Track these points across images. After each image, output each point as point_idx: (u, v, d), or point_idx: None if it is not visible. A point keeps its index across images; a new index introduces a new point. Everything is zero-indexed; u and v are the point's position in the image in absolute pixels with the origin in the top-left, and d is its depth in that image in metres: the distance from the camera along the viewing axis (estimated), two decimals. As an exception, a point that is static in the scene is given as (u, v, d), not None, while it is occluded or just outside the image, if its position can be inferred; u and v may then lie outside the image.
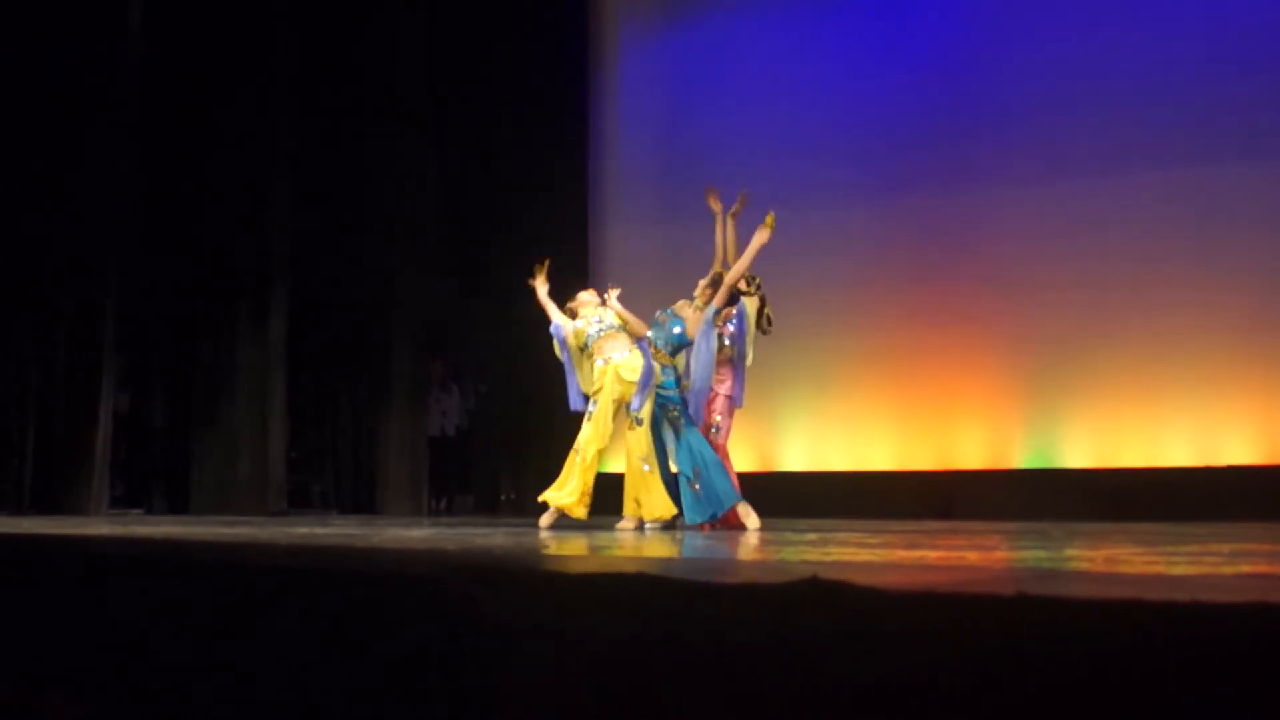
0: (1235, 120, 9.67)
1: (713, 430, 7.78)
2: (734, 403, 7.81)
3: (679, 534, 7.05)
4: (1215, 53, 9.80)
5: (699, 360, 7.54)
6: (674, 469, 7.58)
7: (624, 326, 7.61)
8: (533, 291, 8.03)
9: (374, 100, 12.37)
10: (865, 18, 11.48)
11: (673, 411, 7.59)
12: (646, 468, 7.44)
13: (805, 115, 11.47)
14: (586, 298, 7.97)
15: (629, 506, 7.51)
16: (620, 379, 7.51)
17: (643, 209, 12.03)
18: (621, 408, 7.55)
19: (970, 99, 10.79)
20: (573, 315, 7.92)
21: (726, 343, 7.80)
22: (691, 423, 7.62)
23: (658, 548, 5.29)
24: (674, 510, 7.43)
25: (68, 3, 11.22)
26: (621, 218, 12.32)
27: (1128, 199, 10.04)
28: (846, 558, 4.28)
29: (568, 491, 7.59)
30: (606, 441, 7.66)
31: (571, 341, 7.78)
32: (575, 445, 7.65)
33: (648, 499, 7.41)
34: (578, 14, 12.93)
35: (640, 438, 7.48)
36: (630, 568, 3.17)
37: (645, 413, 7.49)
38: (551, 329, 7.87)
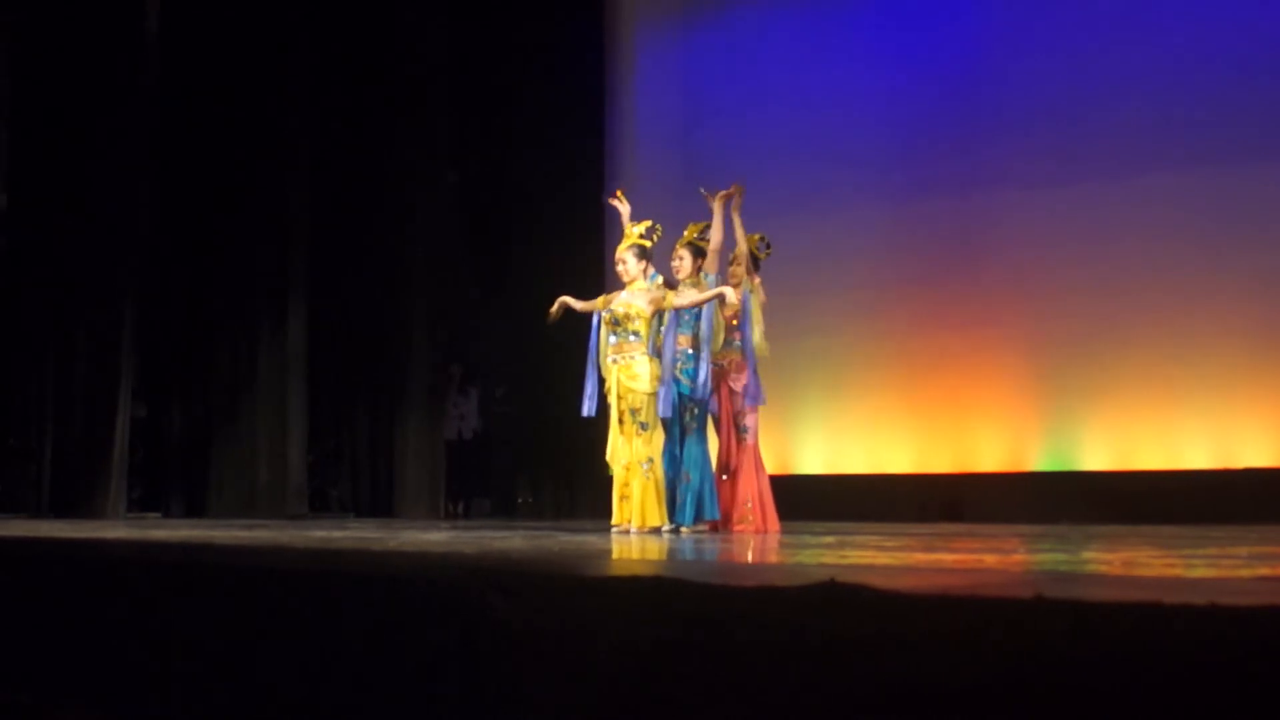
0: (1251, 122, 9.64)
1: (742, 431, 7.80)
2: (752, 400, 7.81)
3: (687, 536, 7.05)
4: (1231, 55, 9.78)
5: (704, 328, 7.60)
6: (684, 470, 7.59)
7: (642, 328, 7.49)
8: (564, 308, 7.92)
9: (391, 108, 12.39)
10: (881, 21, 11.47)
11: (692, 408, 7.58)
12: (647, 475, 7.39)
13: (823, 118, 11.47)
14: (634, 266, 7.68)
15: (622, 510, 7.46)
16: (621, 383, 7.46)
17: (660, 211, 11.98)
18: (628, 412, 7.47)
19: (987, 102, 10.78)
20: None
21: (735, 344, 7.81)
22: (704, 431, 7.63)
23: (674, 551, 5.29)
24: (665, 519, 7.40)
25: (85, 12, 11.28)
26: (637, 219, 12.30)
27: (1144, 201, 10.02)
28: (864, 560, 4.28)
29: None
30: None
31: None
32: (625, 463, 7.52)
33: (642, 505, 7.35)
34: (594, 17, 12.93)
35: (645, 443, 7.43)
36: (647, 571, 3.17)
37: (651, 416, 7.44)
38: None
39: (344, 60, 12.45)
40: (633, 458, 7.41)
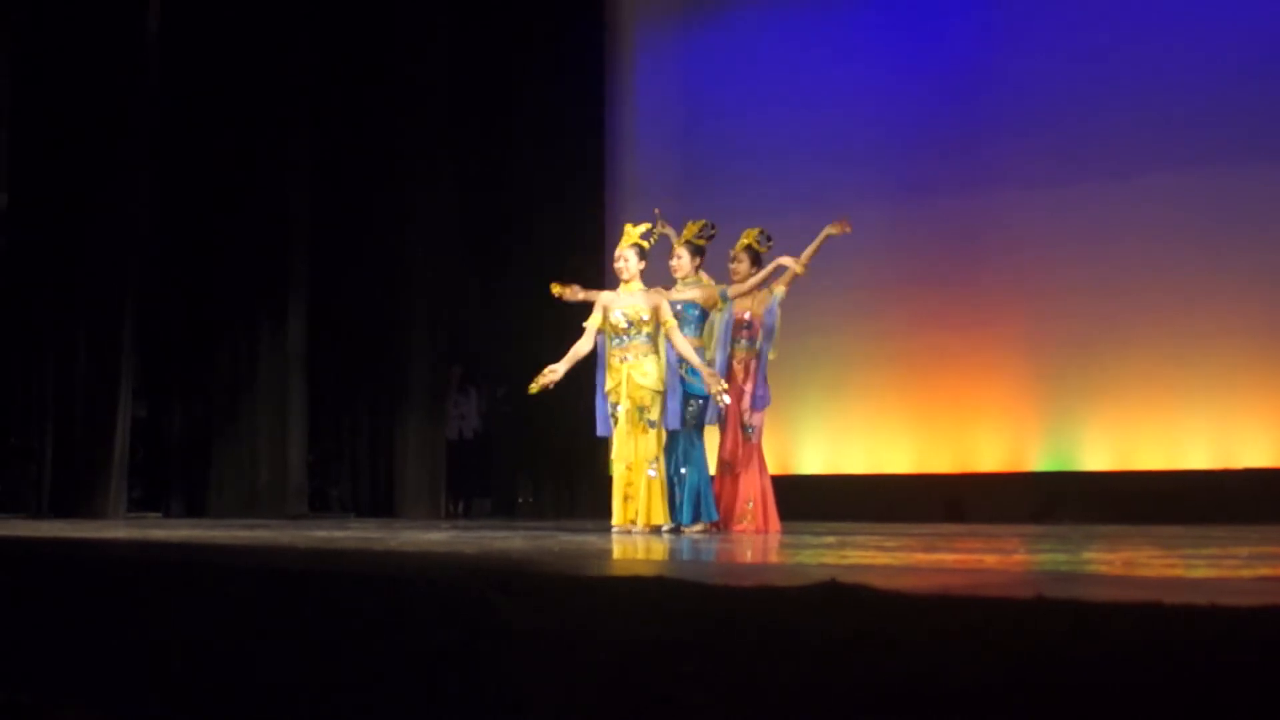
0: (1253, 121, 9.63)
1: (748, 431, 7.82)
2: (760, 402, 7.84)
3: (687, 536, 7.05)
4: (1233, 54, 9.77)
5: (719, 340, 7.62)
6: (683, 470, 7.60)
7: (649, 330, 7.48)
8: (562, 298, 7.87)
9: (391, 108, 12.38)
10: (881, 21, 11.46)
11: (692, 407, 7.57)
12: (653, 473, 7.40)
13: (823, 118, 11.46)
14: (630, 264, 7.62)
15: (625, 511, 7.44)
16: (631, 380, 7.45)
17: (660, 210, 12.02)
18: (634, 410, 7.46)
19: (987, 102, 10.77)
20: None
21: (745, 344, 7.83)
22: (701, 430, 7.62)
23: (674, 551, 5.29)
24: (668, 518, 7.40)
25: (85, 12, 11.28)
26: (638, 220, 12.28)
27: (1145, 201, 10.01)
28: (864, 561, 4.28)
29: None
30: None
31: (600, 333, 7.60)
32: (628, 462, 7.50)
33: (648, 504, 7.36)
34: (594, 18, 12.93)
35: (652, 441, 7.43)
36: (648, 571, 3.18)
37: (659, 414, 7.45)
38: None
39: (344, 60, 12.44)
40: (640, 456, 7.39)
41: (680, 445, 7.54)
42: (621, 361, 7.45)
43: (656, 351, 7.44)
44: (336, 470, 12.71)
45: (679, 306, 7.62)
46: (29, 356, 11.35)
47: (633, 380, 7.40)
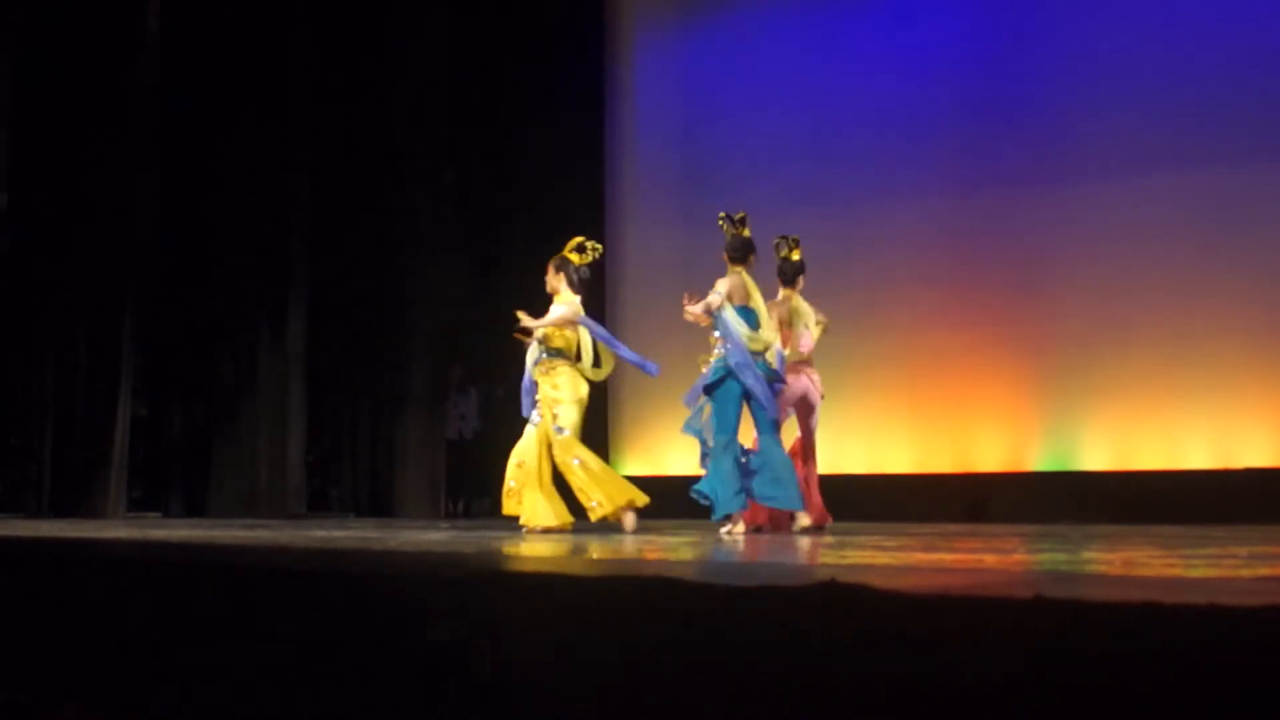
0: (1256, 121, 9.63)
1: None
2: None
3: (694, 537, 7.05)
4: (1236, 54, 9.76)
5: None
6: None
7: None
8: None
9: (391, 108, 12.38)
10: (883, 20, 11.45)
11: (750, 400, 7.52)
12: (577, 462, 7.78)
13: (823, 118, 11.46)
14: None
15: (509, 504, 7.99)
16: (547, 395, 7.91)
17: (659, 211, 12.01)
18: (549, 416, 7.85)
19: (989, 102, 10.76)
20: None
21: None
22: (768, 424, 7.58)
23: (676, 550, 5.29)
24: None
25: (85, 12, 11.28)
26: (638, 220, 12.31)
27: (1147, 201, 10.01)
28: (864, 560, 4.28)
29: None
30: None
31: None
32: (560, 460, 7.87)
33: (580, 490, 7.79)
34: (594, 17, 12.92)
35: (566, 444, 7.80)
36: (648, 571, 3.18)
37: (568, 422, 7.81)
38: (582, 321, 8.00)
39: (344, 60, 12.44)
40: (562, 457, 7.82)
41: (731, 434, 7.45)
42: (544, 375, 7.83)
43: (569, 362, 7.92)
44: (336, 470, 12.71)
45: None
46: (29, 356, 11.35)
47: (547, 394, 7.87)
